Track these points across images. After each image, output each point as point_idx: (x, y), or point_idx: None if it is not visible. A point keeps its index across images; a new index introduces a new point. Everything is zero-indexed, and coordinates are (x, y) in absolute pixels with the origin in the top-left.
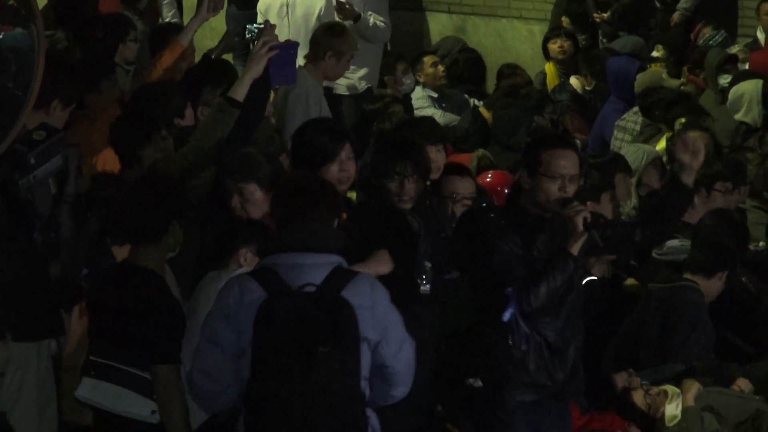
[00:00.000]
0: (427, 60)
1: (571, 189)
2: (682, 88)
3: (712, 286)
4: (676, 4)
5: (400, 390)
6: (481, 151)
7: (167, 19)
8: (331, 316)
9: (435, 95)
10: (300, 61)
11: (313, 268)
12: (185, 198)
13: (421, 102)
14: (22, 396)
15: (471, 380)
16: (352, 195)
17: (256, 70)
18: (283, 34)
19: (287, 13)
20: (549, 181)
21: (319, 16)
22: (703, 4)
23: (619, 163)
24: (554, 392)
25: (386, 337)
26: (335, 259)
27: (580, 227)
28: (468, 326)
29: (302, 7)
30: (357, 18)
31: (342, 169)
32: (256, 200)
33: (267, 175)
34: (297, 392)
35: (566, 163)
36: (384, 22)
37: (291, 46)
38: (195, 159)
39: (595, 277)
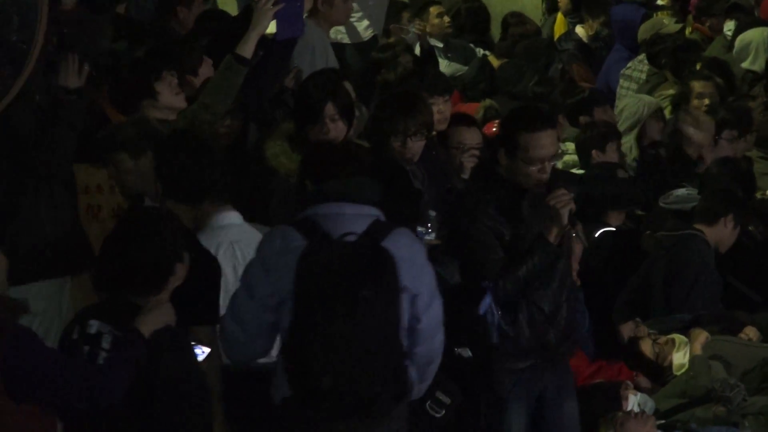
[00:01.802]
0: (433, 10)
1: (550, 166)
2: (687, 35)
3: (719, 232)
4: None
5: (422, 348)
6: (488, 101)
7: None
8: (372, 263)
9: (440, 45)
10: None
11: (354, 219)
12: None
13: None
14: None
15: (459, 350)
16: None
17: (262, 25)
18: None
19: None
20: (527, 166)
21: None
22: None
23: (595, 97)
24: (548, 356)
25: (420, 290)
26: (374, 212)
27: (565, 220)
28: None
29: None
30: None
31: (324, 131)
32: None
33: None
34: (340, 335)
35: (545, 143)
36: None
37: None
38: (200, 116)
39: (613, 228)
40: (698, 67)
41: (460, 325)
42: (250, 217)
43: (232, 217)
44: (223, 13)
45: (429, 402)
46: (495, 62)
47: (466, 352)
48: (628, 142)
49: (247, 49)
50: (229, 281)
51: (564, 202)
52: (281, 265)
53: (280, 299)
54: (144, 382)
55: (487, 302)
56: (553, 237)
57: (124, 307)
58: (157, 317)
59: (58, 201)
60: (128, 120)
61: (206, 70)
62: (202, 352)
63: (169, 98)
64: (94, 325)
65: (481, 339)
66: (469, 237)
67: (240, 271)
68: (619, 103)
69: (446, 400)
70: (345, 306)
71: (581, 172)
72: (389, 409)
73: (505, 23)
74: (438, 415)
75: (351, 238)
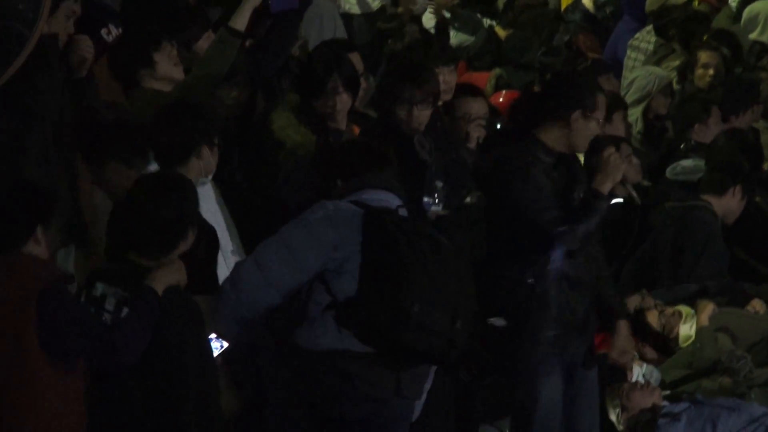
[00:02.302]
0: None
1: None
2: (695, 7)
3: (726, 204)
4: None
5: None
6: (498, 70)
7: None
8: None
9: (447, 15)
10: None
11: (393, 203)
12: (213, 122)
13: (431, 21)
14: None
15: (493, 319)
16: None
17: None
18: None
19: None
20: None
21: None
22: None
23: (598, 66)
24: (576, 326)
25: None
26: (401, 202)
27: (620, 174)
28: (482, 260)
29: None
30: None
31: (330, 103)
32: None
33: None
34: (430, 275)
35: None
36: None
37: None
38: (193, 89)
39: (621, 200)
40: (705, 38)
41: (496, 294)
42: (256, 190)
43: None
44: None
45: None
46: (501, 33)
47: (500, 322)
48: (635, 114)
49: (240, 21)
50: None
51: (618, 157)
52: (342, 222)
53: (337, 266)
54: (154, 340)
55: (559, 252)
56: (604, 188)
57: (131, 270)
58: (169, 274)
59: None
60: (116, 121)
61: (208, 43)
62: (220, 345)
63: (167, 69)
64: (99, 288)
65: (520, 306)
66: (524, 198)
67: None
68: (629, 75)
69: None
70: (431, 247)
71: None
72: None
73: None
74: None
75: (403, 212)
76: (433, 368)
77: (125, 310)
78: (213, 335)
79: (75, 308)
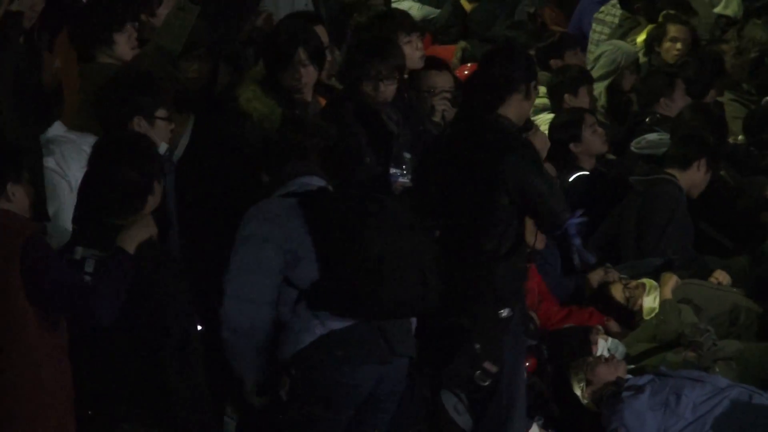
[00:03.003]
0: None
1: None
2: None
3: (691, 177)
4: None
5: None
6: (463, 43)
7: None
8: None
9: None
10: None
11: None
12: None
13: None
14: None
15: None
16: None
17: None
18: None
19: None
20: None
21: None
22: None
23: (567, 41)
24: None
25: None
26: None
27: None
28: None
29: None
30: None
31: (296, 76)
32: None
33: None
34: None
35: None
36: None
37: None
38: (155, 58)
39: (587, 172)
40: (665, 11)
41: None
42: (222, 162)
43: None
44: None
45: (478, 372)
46: (467, 5)
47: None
48: (599, 88)
49: None
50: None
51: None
52: (280, 220)
53: (293, 256)
54: (133, 298)
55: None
56: None
57: (107, 231)
58: (139, 231)
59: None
60: None
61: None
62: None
63: (124, 51)
64: (78, 251)
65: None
66: (543, 187)
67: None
68: (595, 49)
69: (493, 369)
70: (378, 204)
71: (552, 115)
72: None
73: None
74: (484, 384)
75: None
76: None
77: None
78: None
79: (56, 260)
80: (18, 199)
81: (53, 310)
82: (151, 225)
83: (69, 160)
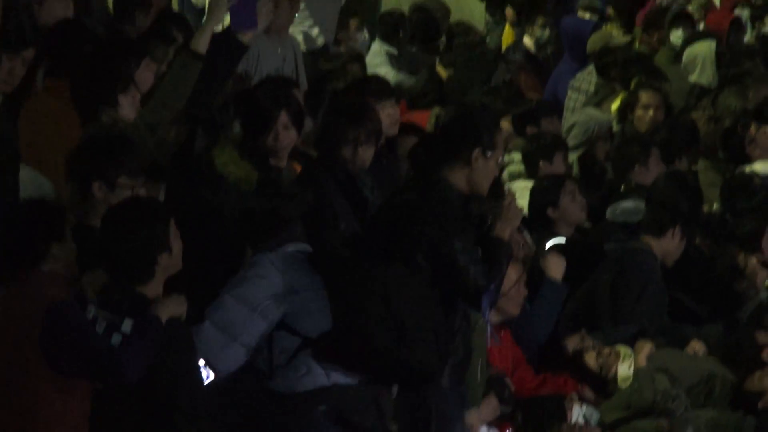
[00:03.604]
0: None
1: None
2: (636, 48)
3: (666, 245)
4: None
5: None
6: (437, 109)
7: None
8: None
9: (394, 52)
10: None
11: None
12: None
13: (377, 58)
14: None
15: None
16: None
17: (217, 18)
18: None
19: None
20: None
21: None
22: None
23: (543, 108)
24: None
25: None
26: None
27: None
28: None
29: None
30: None
31: (278, 138)
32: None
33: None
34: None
35: None
36: None
37: None
38: (158, 115)
39: (563, 239)
40: (638, 78)
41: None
42: (200, 225)
43: None
44: (181, 18)
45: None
46: (443, 72)
47: None
48: (572, 158)
49: (202, 43)
50: None
51: (516, 204)
52: (292, 272)
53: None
54: (154, 368)
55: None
56: (507, 237)
57: (124, 294)
58: (173, 307)
59: None
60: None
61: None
62: (206, 375)
63: (128, 112)
64: (91, 311)
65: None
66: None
67: None
68: (569, 116)
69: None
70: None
71: (530, 183)
72: None
73: (450, 32)
74: None
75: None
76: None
77: (116, 336)
78: (201, 362)
79: (79, 328)
80: (61, 258)
81: (72, 375)
82: (184, 305)
83: None
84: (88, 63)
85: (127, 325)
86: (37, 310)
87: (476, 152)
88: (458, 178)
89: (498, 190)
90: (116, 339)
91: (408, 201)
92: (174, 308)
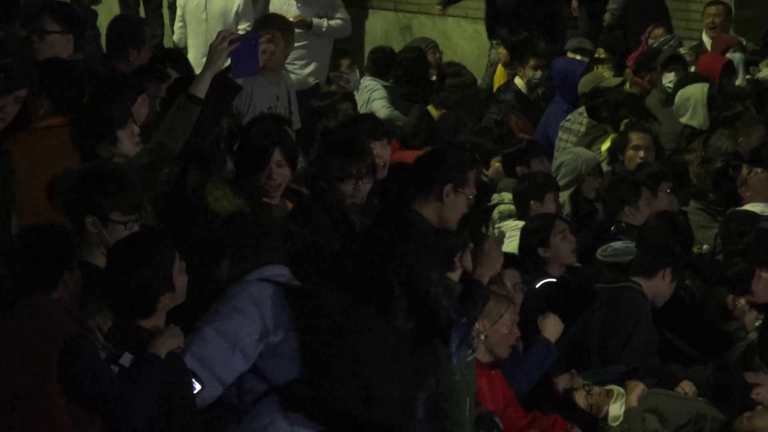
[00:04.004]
0: None
1: None
2: (627, 89)
3: (656, 286)
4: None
5: None
6: (429, 149)
7: None
8: None
9: (384, 89)
10: None
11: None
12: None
13: (369, 94)
14: None
15: None
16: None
17: (217, 64)
18: (199, 30)
19: (205, 8)
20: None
21: (237, 13)
22: (650, 6)
23: (533, 149)
24: None
25: None
26: None
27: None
28: None
29: (220, 3)
30: (309, 26)
31: (271, 176)
32: None
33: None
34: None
35: None
36: (342, 19)
37: (253, 38)
38: (156, 156)
39: (554, 279)
40: (627, 120)
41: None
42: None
43: None
44: (176, 54)
45: None
46: (434, 112)
47: None
48: (563, 197)
49: (201, 88)
50: None
51: (497, 249)
52: (269, 310)
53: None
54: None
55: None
56: (486, 281)
57: (125, 329)
58: (170, 341)
59: None
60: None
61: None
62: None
63: (128, 147)
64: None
65: None
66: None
67: None
68: (558, 156)
69: None
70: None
71: (520, 223)
72: None
73: (442, 73)
74: None
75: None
76: None
77: (114, 368)
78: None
79: (92, 368)
80: (70, 286)
81: (88, 407)
82: (180, 336)
83: None
84: (88, 100)
85: (126, 359)
86: (55, 342)
87: (448, 188)
88: (429, 211)
89: (475, 230)
90: (114, 370)
91: (387, 229)
92: (172, 342)
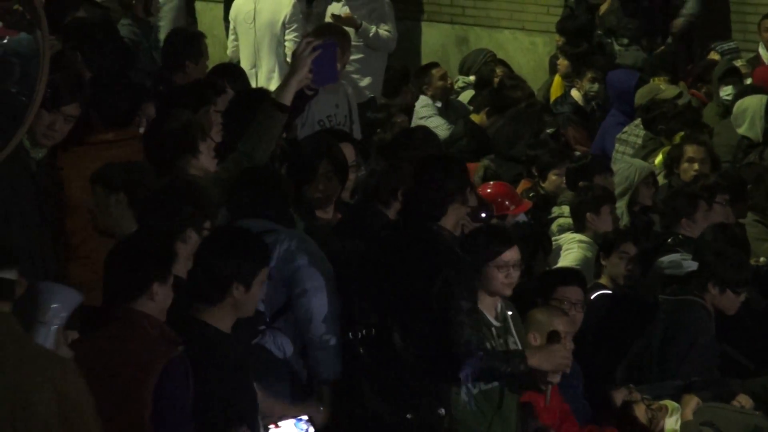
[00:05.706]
0: (435, 73)
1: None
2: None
3: (725, 300)
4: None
5: None
6: (485, 161)
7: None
8: None
9: (439, 105)
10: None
11: None
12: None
13: (426, 111)
14: None
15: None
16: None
17: (302, 72)
18: (248, 40)
19: (254, 19)
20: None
21: (284, 23)
22: (706, 18)
23: (598, 164)
24: None
25: None
26: None
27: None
28: None
29: (268, 13)
30: (358, 27)
31: (319, 188)
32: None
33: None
34: None
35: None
36: (389, 31)
37: (332, 45)
38: (243, 166)
39: (609, 290)
40: (683, 133)
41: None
42: None
43: None
44: (234, 69)
45: None
46: (476, 119)
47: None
48: (620, 207)
49: (287, 96)
50: None
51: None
52: None
53: None
54: None
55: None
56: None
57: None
58: None
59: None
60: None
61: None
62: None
63: (206, 161)
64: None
65: None
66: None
67: None
68: (614, 168)
69: None
70: None
71: (578, 236)
72: None
73: (501, 84)
74: None
75: None
76: None
77: None
78: (305, 417)
79: (182, 392)
80: (160, 300)
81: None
82: None
83: None
84: (158, 113)
85: None
86: (155, 360)
87: (467, 190)
88: (449, 221)
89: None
90: None
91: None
92: None
